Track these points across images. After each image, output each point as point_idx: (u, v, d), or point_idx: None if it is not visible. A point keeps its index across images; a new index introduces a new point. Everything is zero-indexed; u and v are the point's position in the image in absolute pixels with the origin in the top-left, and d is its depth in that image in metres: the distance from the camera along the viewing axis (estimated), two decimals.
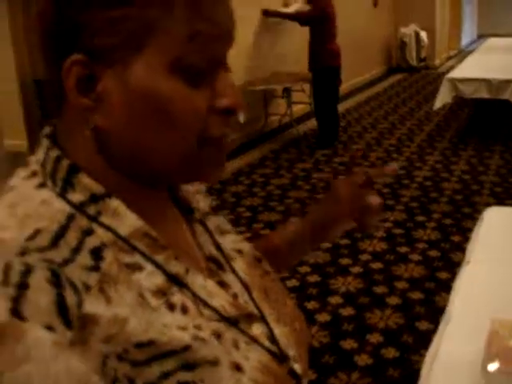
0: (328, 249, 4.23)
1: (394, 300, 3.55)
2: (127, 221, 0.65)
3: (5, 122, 7.65)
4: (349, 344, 3.12)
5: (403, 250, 4.25)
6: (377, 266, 4.01)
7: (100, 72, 0.62)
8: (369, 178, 1.01)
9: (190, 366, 0.61)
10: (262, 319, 0.74)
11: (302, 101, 7.98)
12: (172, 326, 0.62)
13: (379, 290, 3.69)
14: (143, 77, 0.61)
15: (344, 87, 10.00)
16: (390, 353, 3.04)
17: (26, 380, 0.51)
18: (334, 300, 3.57)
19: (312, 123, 7.95)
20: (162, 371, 0.59)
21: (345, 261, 4.09)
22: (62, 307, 0.55)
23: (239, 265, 0.80)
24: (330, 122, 7.25)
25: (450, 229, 4.58)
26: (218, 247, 0.79)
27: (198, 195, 0.83)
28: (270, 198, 5.43)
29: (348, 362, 2.97)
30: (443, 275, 3.82)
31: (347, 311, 3.44)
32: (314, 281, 3.79)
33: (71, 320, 0.55)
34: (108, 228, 0.63)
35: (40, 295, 0.55)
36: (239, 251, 0.83)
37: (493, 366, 1.28)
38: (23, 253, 0.57)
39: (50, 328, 0.53)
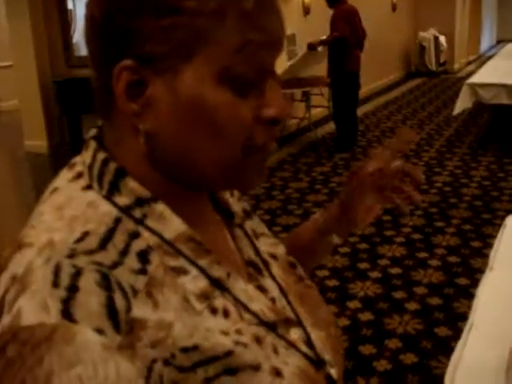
0: (346, 253, 4.22)
1: (412, 305, 3.54)
2: (172, 225, 0.65)
3: (25, 123, 7.73)
4: (367, 349, 3.11)
5: (422, 255, 4.23)
6: (396, 271, 3.99)
7: (149, 78, 0.62)
8: (392, 152, 0.95)
9: (232, 371, 0.61)
10: (299, 324, 0.74)
11: (321, 104, 7.98)
12: (215, 331, 0.62)
13: (398, 295, 3.67)
14: (191, 85, 0.61)
15: (363, 91, 9.98)
16: (409, 358, 3.03)
17: (76, 382, 0.51)
18: (353, 305, 3.56)
19: (330, 127, 7.95)
20: (206, 376, 0.59)
21: (363, 265, 4.08)
22: (111, 310, 0.55)
23: (275, 270, 0.80)
24: (349, 126, 7.24)
25: (469, 235, 4.55)
26: (257, 252, 0.79)
27: (230, 199, 0.83)
28: (289, 201, 5.43)
29: (367, 368, 2.96)
30: (462, 281, 3.79)
31: (366, 316, 3.43)
32: (333, 285, 3.78)
33: (120, 324, 0.55)
34: (154, 231, 0.64)
35: (90, 298, 0.55)
36: (274, 256, 0.83)
37: None
38: (72, 255, 0.58)
39: (99, 331, 0.54)
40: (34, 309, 0.54)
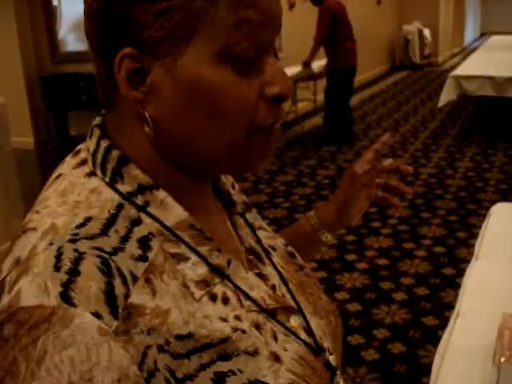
0: (334, 245, 4.25)
1: (400, 296, 3.58)
2: (174, 212, 0.65)
3: (11, 119, 7.68)
4: (356, 339, 3.14)
5: (409, 246, 4.27)
6: (383, 262, 4.03)
7: (150, 64, 0.62)
8: (376, 151, 1.07)
9: (227, 356, 0.61)
10: (299, 312, 0.75)
11: (307, 98, 7.99)
12: (213, 317, 0.63)
13: (385, 285, 3.71)
14: (192, 67, 0.62)
15: None
16: (397, 348, 3.07)
17: (68, 363, 0.52)
18: (341, 296, 3.59)
19: (316, 120, 7.97)
20: (201, 363, 0.60)
21: (351, 257, 4.12)
22: (110, 296, 0.56)
23: (275, 259, 0.81)
24: (338, 120, 7.27)
25: (454, 225, 4.61)
26: (258, 240, 0.80)
27: (232, 190, 0.84)
28: (276, 194, 5.46)
29: (355, 358, 3.00)
30: (448, 271, 3.84)
31: (354, 307, 3.47)
32: (321, 277, 3.81)
33: (118, 309, 0.56)
34: (155, 218, 0.64)
35: (90, 282, 0.56)
36: (273, 247, 0.84)
37: (504, 359, 1.29)
38: (74, 240, 0.58)
39: (97, 315, 0.54)
40: (34, 290, 0.55)
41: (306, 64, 7.16)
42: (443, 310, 3.32)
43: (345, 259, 4.09)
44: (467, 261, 2.05)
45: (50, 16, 7.66)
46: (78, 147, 0.71)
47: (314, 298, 0.82)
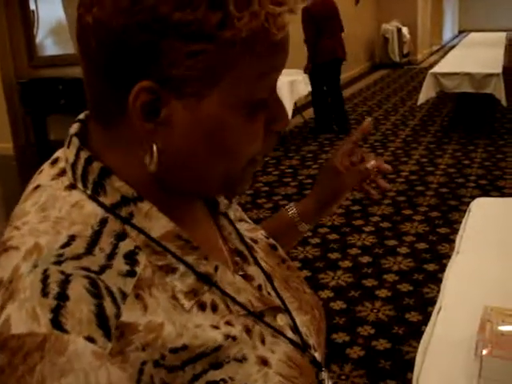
0: (317, 244, 4.26)
1: (383, 292, 3.59)
2: (159, 223, 0.64)
3: None
4: (340, 337, 3.15)
5: (391, 243, 4.29)
6: (366, 259, 4.05)
7: (168, 99, 0.60)
8: (354, 142, 1.06)
9: (218, 365, 0.61)
10: (285, 310, 0.75)
11: None
12: (205, 326, 0.62)
13: (369, 283, 3.72)
14: (214, 110, 0.61)
15: None
16: (381, 344, 3.08)
17: None
18: (325, 294, 3.59)
19: (297, 120, 7.98)
20: (194, 373, 0.60)
21: (334, 255, 4.12)
22: (101, 318, 0.55)
23: (258, 254, 0.80)
24: (325, 112, 7.60)
25: (436, 221, 4.63)
26: (241, 238, 0.80)
27: None
28: (258, 195, 5.46)
29: (340, 355, 3.00)
30: (431, 267, 3.86)
31: (338, 305, 3.47)
32: (305, 276, 3.81)
33: (110, 330, 0.55)
34: (140, 230, 0.63)
35: (80, 306, 0.55)
36: (254, 240, 0.83)
37: (486, 351, 1.30)
38: (60, 261, 0.57)
39: (90, 340, 0.53)
40: (23, 318, 0.54)
41: (307, 68, 7.41)
42: (426, 306, 3.33)
43: (328, 258, 4.09)
44: (449, 256, 2.06)
45: (28, 20, 7.59)
46: (56, 155, 0.69)
47: (299, 292, 0.82)
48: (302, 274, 3.14)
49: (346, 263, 4.01)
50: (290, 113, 6.86)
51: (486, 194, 5.10)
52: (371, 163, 1.03)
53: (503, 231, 2.09)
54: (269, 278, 0.77)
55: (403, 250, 4.17)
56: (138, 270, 0.61)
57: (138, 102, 0.60)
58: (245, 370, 0.63)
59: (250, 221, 0.89)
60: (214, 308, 0.65)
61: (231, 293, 0.67)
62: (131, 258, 0.61)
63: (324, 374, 0.77)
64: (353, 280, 3.77)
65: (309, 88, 7.28)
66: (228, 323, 0.65)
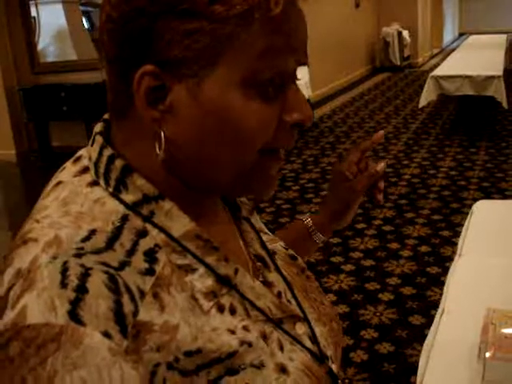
0: (319, 248, 4.24)
1: (386, 296, 3.59)
2: (180, 222, 0.64)
3: None
4: (344, 341, 3.15)
5: (394, 246, 4.29)
6: (368, 263, 4.04)
7: (171, 83, 0.60)
8: (362, 151, 1.06)
9: (234, 371, 0.61)
10: (305, 319, 0.74)
11: None
12: (221, 330, 0.62)
13: (371, 286, 3.72)
14: (216, 91, 0.60)
15: (329, 88, 10.07)
16: (385, 348, 3.07)
17: None
18: (328, 298, 3.58)
19: None
20: (208, 379, 0.59)
21: (337, 259, 4.13)
22: (119, 314, 0.55)
23: (279, 263, 0.80)
24: None
25: (438, 224, 4.63)
26: (263, 245, 0.79)
27: None
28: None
29: (344, 359, 2.99)
30: (434, 270, 3.86)
31: (341, 309, 3.47)
32: None
33: (127, 328, 0.55)
34: (161, 229, 0.63)
35: (99, 301, 0.54)
36: (274, 251, 0.83)
37: (489, 354, 1.30)
38: (80, 254, 0.57)
39: (107, 335, 0.53)
40: (41, 308, 0.53)
41: None
42: (430, 309, 3.33)
43: (331, 261, 4.09)
44: (452, 259, 2.06)
45: (29, 27, 7.63)
46: (79, 153, 0.69)
47: (317, 303, 0.81)
48: None
49: (349, 267, 4.01)
50: None
51: (488, 196, 5.10)
52: (381, 165, 1.04)
53: (505, 233, 2.09)
54: (289, 286, 0.77)
55: (406, 253, 4.17)
56: (158, 268, 0.60)
57: (141, 88, 0.60)
58: (262, 376, 0.63)
59: (269, 232, 0.88)
60: (233, 311, 0.64)
61: (250, 297, 0.67)
62: (151, 255, 0.61)
63: None
64: (355, 283, 3.77)
65: (309, 92, 7.25)
66: (245, 328, 0.64)
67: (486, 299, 1.58)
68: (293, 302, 0.75)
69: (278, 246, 0.86)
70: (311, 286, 0.84)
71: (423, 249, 4.21)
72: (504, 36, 11.76)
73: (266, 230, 0.88)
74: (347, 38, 11.47)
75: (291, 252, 0.87)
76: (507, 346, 1.31)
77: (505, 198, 5.03)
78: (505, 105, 6.87)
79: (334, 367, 0.74)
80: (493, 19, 21.95)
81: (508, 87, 6.90)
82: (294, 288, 0.78)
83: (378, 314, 3.40)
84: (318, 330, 0.75)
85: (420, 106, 7.46)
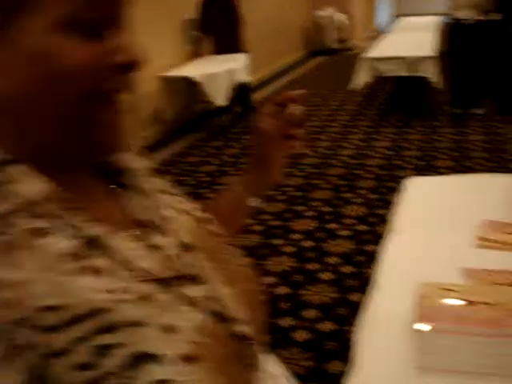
0: (260, 231, 4.28)
1: (326, 275, 3.64)
2: (36, 185, 0.63)
3: None
4: (286, 321, 3.18)
5: (332, 226, 4.35)
6: (308, 244, 4.09)
7: None
8: (276, 104, 1.05)
9: (108, 329, 0.59)
10: (202, 280, 0.73)
11: None
12: (88, 289, 0.60)
13: (312, 266, 3.77)
14: (27, 38, 0.59)
15: (266, 72, 10.07)
16: (326, 326, 3.12)
17: None
18: (269, 280, 3.62)
19: (236, 110, 7.97)
20: (77, 336, 0.57)
21: (277, 241, 4.16)
22: None
23: (184, 225, 0.79)
24: None
25: (375, 203, 4.72)
26: (154, 209, 0.77)
27: (127, 156, 0.81)
28: (200, 185, 5.44)
29: (286, 339, 3.03)
30: (371, 248, 3.92)
31: (282, 290, 3.51)
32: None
33: None
34: (17, 193, 0.61)
35: None
36: (185, 211, 0.82)
37: (422, 326, 1.33)
38: None
39: None
40: None
41: None
42: (368, 286, 3.38)
43: (271, 244, 4.12)
44: None
45: None
46: None
47: (229, 265, 0.80)
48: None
49: (289, 248, 4.04)
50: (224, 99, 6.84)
51: (422, 174, 5.19)
52: (296, 108, 1.03)
53: (438, 209, 2.13)
54: (188, 248, 0.75)
55: (344, 232, 4.23)
56: (10, 231, 0.59)
57: None
58: (142, 336, 0.61)
59: (177, 193, 0.87)
60: (104, 272, 0.63)
61: (130, 258, 0.66)
62: (5, 219, 0.59)
63: (256, 348, 0.76)
64: (296, 265, 3.81)
65: (247, 77, 7.23)
66: (121, 290, 0.62)
67: (418, 274, 1.62)
68: (190, 264, 0.73)
69: (188, 207, 0.84)
70: (224, 249, 0.83)
71: (361, 228, 4.29)
72: (438, 18, 11.96)
73: (173, 191, 0.86)
74: (281, 23, 11.47)
75: (204, 215, 0.86)
76: (439, 317, 1.35)
77: (439, 175, 5.14)
78: (438, 85, 7.01)
79: (245, 329, 0.73)
80: (429, 1, 22.30)
81: (443, 67, 7.04)
82: (195, 251, 0.76)
83: (318, 293, 3.44)
84: (222, 291, 0.74)
85: (350, 87, 7.53)
